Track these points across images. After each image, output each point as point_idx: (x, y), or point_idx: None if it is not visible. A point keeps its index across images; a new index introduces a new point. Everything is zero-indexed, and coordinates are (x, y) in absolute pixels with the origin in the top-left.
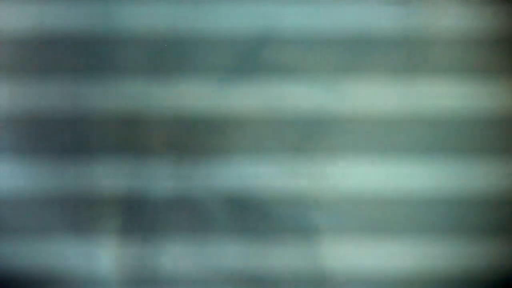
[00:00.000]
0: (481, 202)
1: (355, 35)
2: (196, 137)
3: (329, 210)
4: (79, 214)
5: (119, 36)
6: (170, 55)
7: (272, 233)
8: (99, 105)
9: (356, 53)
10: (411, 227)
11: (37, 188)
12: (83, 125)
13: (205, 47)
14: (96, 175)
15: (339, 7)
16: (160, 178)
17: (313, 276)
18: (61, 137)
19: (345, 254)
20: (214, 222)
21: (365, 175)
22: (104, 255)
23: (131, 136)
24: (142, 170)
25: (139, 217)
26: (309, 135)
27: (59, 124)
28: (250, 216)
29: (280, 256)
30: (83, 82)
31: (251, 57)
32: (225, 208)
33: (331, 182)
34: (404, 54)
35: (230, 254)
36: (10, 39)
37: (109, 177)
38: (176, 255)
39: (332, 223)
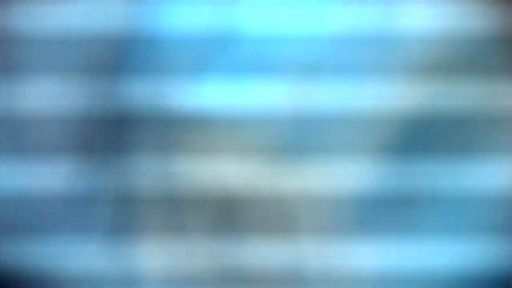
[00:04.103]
0: (482, 201)
1: (343, 33)
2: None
3: (320, 209)
4: (91, 213)
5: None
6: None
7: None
8: (106, 104)
9: (345, 51)
10: (413, 227)
11: (47, 187)
12: (97, 124)
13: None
14: (103, 174)
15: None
16: (140, 176)
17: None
18: (73, 136)
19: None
20: (197, 222)
21: (361, 174)
22: (107, 254)
23: (132, 135)
24: (133, 169)
25: (139, 216)
26: (300, 134)
27: (70, 123)
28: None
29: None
30: (94, 81)
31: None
32: (210, 208)
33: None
34: (404, 53)
35: (209, 251)
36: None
37: (112, 176)
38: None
39: (322, 222)
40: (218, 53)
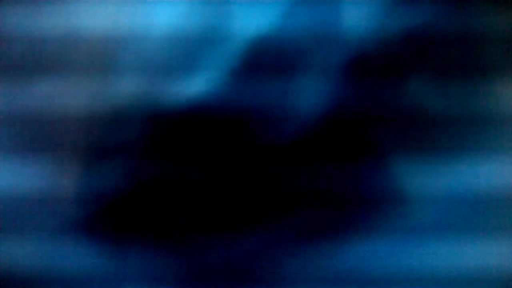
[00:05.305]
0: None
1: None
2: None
3: None
4: (82, 213)
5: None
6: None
7: None
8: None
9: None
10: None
11: (40, 187)
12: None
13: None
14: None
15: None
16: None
17: None
18: (65, 137)
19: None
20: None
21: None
22: (99, 254)
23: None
24: (128, 168)
25: (136, 217)
26: None
27: (62, 123)
28: None
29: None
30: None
31: None
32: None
33: None
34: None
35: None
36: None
37: (108, 176)
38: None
39: None
40: (211, 52)
